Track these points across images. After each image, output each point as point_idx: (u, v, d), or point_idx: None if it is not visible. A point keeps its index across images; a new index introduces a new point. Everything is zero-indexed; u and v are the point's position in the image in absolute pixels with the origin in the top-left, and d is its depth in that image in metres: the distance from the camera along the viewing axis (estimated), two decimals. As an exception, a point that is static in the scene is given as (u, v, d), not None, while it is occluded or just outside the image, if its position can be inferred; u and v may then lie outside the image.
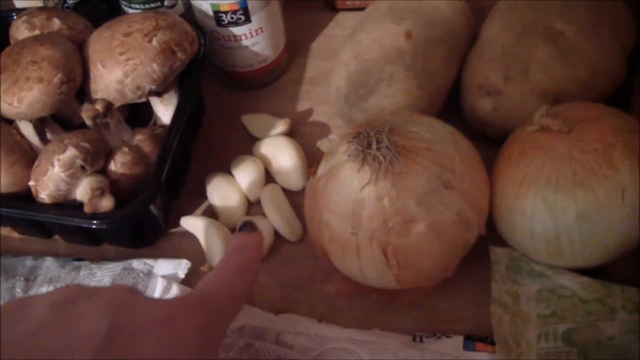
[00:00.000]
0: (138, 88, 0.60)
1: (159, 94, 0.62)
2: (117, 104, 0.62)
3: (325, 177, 0.55)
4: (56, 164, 0.57)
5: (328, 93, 0.70)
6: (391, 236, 0.52)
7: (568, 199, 0.52)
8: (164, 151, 0.60)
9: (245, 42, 0.68)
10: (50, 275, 0.61)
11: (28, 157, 0.60)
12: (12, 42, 0.65)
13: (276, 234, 0.63)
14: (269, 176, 0.66)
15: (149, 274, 0.60)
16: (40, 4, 0.82)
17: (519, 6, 0.65)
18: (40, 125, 0.62)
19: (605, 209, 0.51)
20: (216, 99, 0.72)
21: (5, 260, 0.63)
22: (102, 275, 0.60)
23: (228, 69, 0.71)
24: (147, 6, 0.69)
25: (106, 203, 0.57)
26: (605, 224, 0.52)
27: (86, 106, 0.61)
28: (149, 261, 0.61)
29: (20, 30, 0.64)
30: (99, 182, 0.58)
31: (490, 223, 0.56)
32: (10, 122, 0.62)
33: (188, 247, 0.63)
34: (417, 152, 0.53)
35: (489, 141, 0.62)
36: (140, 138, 0.61)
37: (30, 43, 0.60)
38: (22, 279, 0.61)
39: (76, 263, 0.62)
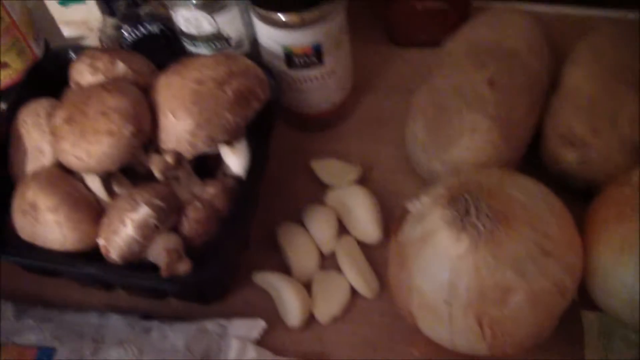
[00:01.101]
0: (211, 139, 0.58)
1: (229, 142, 0.60)
2: (188, 155, 0.59)
3: (417, 241, 0.53)
4: (129, 224, 0.54)
5: (396, 134, 0.69)
6: (488, 307, 0.50)
7: (672, 267, 0.50)
8: (240, 209, 0.57)
9: (315, 84, 0.66)
10: (120, 337, 0.59)
11: (95, 212, 0.58)
12: (72, 84, 0.62)
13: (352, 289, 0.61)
14: (341, 226, 0.64)
15: (223, 335, 0.59)
16: (89, 32, 0.81)
17: (605, 52, 0.63)
18: (107, 177, 0.59)
19: None
20: (281, 140, 0.69)
21: (68, 316, 0.62)
22: (175, 337, 0.58)
23: (295, 110, 0.69)
24: (212, 44, 0.66)
25: (184, 267, 0.55)
26: None
27: (156, 158, 0.58)
28: (223, 321, 0.60)
29: (83, 75, 0.61)
30: (173, 243, 0.56)
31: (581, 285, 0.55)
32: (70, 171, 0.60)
33: (260, 303, 0.62)
34: (515, 219, 0.51)
35: (570, 192, 0.60)
36: (212, 192, 0.59)
37: (97, 92, 0.57)
38: (89, 339, 0.59)
39: (146, 323, 0.60)
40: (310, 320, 0.60)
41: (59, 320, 0.62)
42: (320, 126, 0.71)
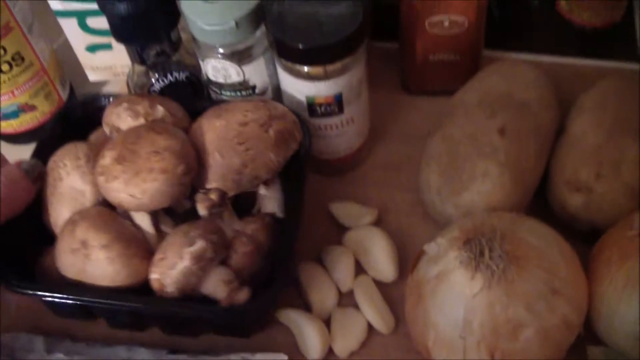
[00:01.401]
0: (255, 178, 0.61)
1: (267, 182, 0.63)
2: (232, 193, 0.61)
3: (434, 280, 0.56)
4: (186, 257, 0.56)
5: (410, 179, 0.72)
6: (500, 341, 0.53)
7: (673, 305, 0.53)
8: (288, 241, 0.61)
9: (335, 131, 0.69)
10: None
11: (144, 249, 0.59)
12: (106, 128, 0.65)
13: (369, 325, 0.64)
14: (358, 266, 0.67)
15: (247, 368, 0.60)
16: (114, 77, 0.84)
17: (608, 102, 0.66)
18: (155, 216, 0.61)
19: None
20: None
21: (96, 350, 0.64)
22: (202, 371, 0.60)
23: (315, 155, 0.72)
24: (238, 92, 0.70)
25: (243, 295, 0.57)
26: None
27: (201, 196, 0.60)
28: (247, 355, 0.62)
29: (122, 118, 0.63)
30: (228, 274, 0.58)
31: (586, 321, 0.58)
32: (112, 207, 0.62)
33: (281, 338, 0.64)
34: (526, 259, 0.54)
35: (576, 234, 0.63)
36: (254, 227, 0.61)
37: (146, 133, 0.60)
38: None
39: (173, 357, 0.62)
40: (329, 355, 0.62)
41: (88, 353, 0.64)
42: (338, 171, 0.74)
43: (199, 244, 0.57)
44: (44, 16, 0.79)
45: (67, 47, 0.83)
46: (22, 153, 0.69)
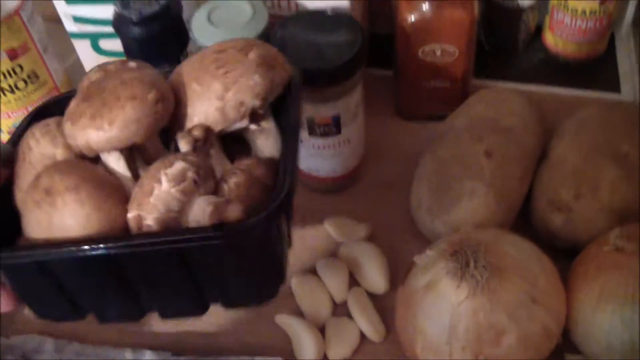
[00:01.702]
0: (241, 104, 0.53)
1: (257, 122, 0.55)
2: (218, 127, 0.54)
3: (423, 289, 0.60)
4: (164, 179, 0.48)
5: (401, 198, 0.75)
6: (483, 347, 0.57)
7: (644, 315, 0.57)
8: (288, 156, 0.52)
9: (332, 151, 0.73)
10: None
11: (119, 193, 0.51)
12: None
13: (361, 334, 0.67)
14: (351, 278, 0.71)
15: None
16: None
17: (587, 128, 0.71)
18: (130, 155, 0.53)
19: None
20: (298, 200, 0.76)
21: (103, 351, 0.67)
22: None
23: (312, 173, 0.75)
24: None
25: (235, 211, 0.47)
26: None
27: (183, 134, 0.53)
28: (246, 358, 0.65)
29: (89, 75, 0.56)
30: (215, 198, 0.49)
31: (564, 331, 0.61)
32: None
33: (279, 344, 0.67)
34: (508, 271, 0.58)
35: (556, 250, 0.66)
36: (249, 163, 0.54)
37: (114, 73, 0.54)
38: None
39: (176, 359, 0.65)
40: (323, 361, 0.66)
41: (95, 354, 0.67)
42: (333, 188, 0.78)
43: (178, 165, 0.49)
44: (55, 37, 0.84)
45: (77, 66, 0.87)
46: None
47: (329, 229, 0.74)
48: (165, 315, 0.55)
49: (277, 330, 0.68)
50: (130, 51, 0.71)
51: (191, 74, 0.54)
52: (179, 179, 0.48)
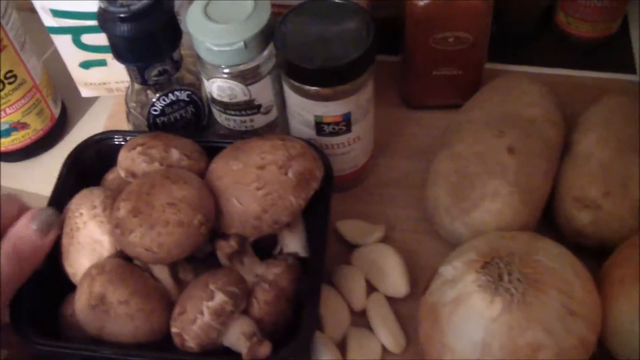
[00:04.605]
0: (275, 222, 0.59)
1: (288, 223, 0.61)
2: (252, 238, 0.60)
3: (451, 304, 0.56)
4: (206, 311, 0.55)
5: (414, 195, 0.72)
6: (519, 363, 0.53)
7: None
8: (314, 287, 0.59)
9: (341, 149, 0.69)
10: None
11: (164, 301, 0.58)
12: (122, 172, 0.63)
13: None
14: (368, 284, 0.67)
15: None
16: (107, 93, 0.83)
17: (614, 119, 0.67)
18: (174, 266, 0.60)
19: None
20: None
21: None
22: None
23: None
24: (242, 112, 0.69)
25: (265, 350, 0.55)
26: None
27: (221, 244, 0.59)
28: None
29: (136, 163, 0.62)
30: (249, 326, 0.57)
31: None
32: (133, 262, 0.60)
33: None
34: (544, 282, 0.55)
35: (583, 250, 0.63)
36: (276, 272, 0.60)
37: (161, 181, 0.58)
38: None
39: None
40: (345, 375, 0.63)
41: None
42: (341, 188, 0.74)
43: (219, 298, 0.56)
44: (30, 28, 0.79)
45: (54, 60, 0.82)
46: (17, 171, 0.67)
47: (342, 232, 0.71)
48: None
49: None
50: (117, 50, 0.66)
51: (232, 189, 0.59)
52: (219, 312, 0.55)
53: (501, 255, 0.56)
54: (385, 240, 0.70)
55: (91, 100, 0.87)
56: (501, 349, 0.54)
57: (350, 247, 0.70)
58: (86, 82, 0.83)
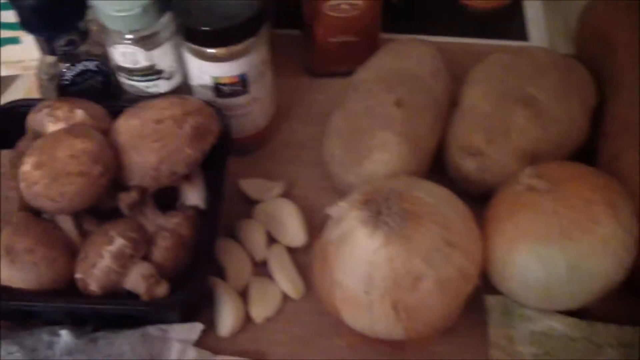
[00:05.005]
0: (173, 173, 0.62)
1: (187, 176, 0.65)
2: (152, 189, 0.63)
3: (336, 241, 0.59)
4: (106, 255, 0.59)
5: (315, 155, 0.75)
6: (401, 293, 0.57)
7: (558, 251, 0.58)
8: (210, 235, 0.63)
9: (241, 111, 0.72)
10: (68, 348, 0.63)
11: (68, 250, 0.61)
12: (31, 134, 0.66)
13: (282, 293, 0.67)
14: (269, 236, 0.70)
15: (164, 338, 0.63)
16: (24, 71, 0.85)
17: (496, 74, 0.71)
18: (77, 217, 0.63)
19: (591, 258, 0.57)
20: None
21: (20, 333, 0.64)
22: (120, 343, 0.62)
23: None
24: (147, 78, 0.72)
25: (162, 290, 0.60)
26: (592, 271, 0.58)
27: (123, 195, 0.62)
28: (164, 326, 0.64)
29: (43, 123, 0.65)
30: (147, 269, 0.60)
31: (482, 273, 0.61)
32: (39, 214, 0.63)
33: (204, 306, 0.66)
34: (421, 216, 0.58)
35: (471, 197, 0.67)
36: (176, 221, 0.63)
37: (64, 137, 0.61)
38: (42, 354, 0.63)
39: (93, 334, 0.64)
40: (246, 321, 0.65)
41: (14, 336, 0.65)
42: (246, 150, 0.77)
43: (118, 242, 0.59)
44: None
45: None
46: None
47: (244, 190, 0.74)
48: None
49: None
50: (25, 21, 0.69)
51: (131, 142, 0.62)
52: (119, 256, 0.59)
53: (382, 193, 0.59)
54: (286, 196, 0.73)
55: (9, 80, 0.88)
56: (384, 280, 0.57)
57: (253, 204, 0.73)
58: (1, 60, 0.85)
